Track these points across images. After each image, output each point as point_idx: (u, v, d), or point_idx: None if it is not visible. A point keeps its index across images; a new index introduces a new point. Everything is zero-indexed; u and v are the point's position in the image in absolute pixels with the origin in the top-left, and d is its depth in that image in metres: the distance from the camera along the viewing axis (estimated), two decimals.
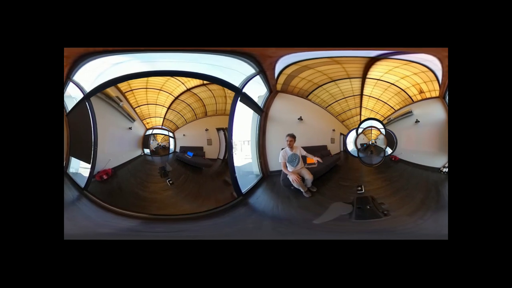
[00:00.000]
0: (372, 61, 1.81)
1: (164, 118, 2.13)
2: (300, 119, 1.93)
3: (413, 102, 1.75)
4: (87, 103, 1.99)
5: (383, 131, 1.78)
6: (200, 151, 2.09)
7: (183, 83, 2.10)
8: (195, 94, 2.09)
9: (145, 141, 2.13)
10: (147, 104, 2.15)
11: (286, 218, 1.76)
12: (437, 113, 1.71)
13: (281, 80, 1.91)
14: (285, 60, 1.81)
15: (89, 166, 1.98)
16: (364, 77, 1.82)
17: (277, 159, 1.96)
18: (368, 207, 1.76)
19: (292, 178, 1.87)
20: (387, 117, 1.78)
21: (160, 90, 2.15)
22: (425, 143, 1.72)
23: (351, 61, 1.82)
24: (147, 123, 2.15)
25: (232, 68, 1.86)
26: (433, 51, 1.66)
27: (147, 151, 2.13)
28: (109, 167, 2.04)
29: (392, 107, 1.78)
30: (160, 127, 2.13)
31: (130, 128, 2.12)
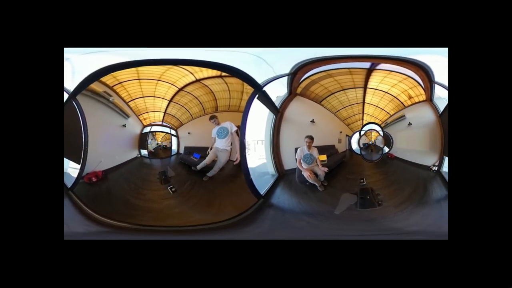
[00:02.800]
0: (369, 72, 2.08)
1: (165, 112, 1.79)
2: (313, 121, 2.03)
3: (405, 107, 2.07)
4: (73, 102, 1.66)
5: (381, 133, 2.07)
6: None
7: (191, 73, 1.82)
8: (206, 86, 1.85)
9: (142, 140, 1.75)
10: (143, 97, 1.77)
11: (315, 212, 1.81)
12: (426, 115, 2.01)
13: (304, 84, 1.95)
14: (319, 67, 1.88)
15: (78, 166, 1.63)
16: (365, 87, 2.08)
17: (291, 158, 1.97)
18: (368, 197, 2.02)
19: (306, 174, 1.96)
20: (384, 121, 2.08)
21: (158, 80, 1.81)
22: (417, 143, 2.06)
23: (358, 72, 2.05)
24: (144, 119, 1.77)
25: (266, 63, 1.77)
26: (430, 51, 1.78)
27: (144, 152, 1.75)
28: (99, 169, 1.65)
29: (388, 113, 2.09)
30: (160, 123, 1.79)
31: (124, 126, 1.70)
